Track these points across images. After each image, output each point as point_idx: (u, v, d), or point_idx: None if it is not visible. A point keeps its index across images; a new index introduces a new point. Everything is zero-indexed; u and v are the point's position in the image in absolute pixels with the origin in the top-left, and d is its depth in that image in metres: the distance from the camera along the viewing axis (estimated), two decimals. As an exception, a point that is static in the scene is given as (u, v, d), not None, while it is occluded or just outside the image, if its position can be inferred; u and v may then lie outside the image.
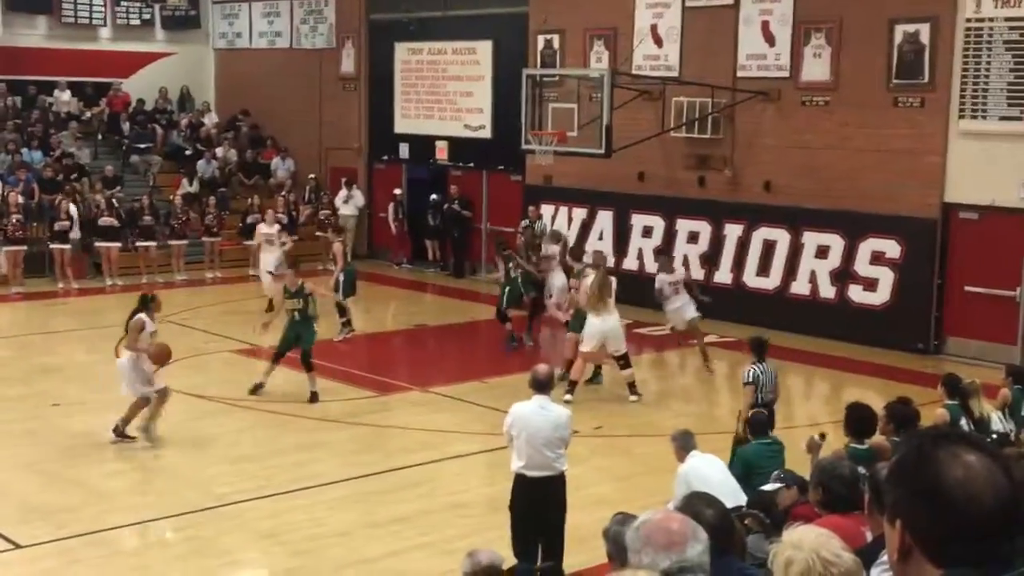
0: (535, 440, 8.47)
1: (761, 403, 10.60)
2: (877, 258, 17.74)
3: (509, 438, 8.69)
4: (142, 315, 12.33)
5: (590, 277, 14.56)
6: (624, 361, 14.47)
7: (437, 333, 19.24)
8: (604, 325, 14.21)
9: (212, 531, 10.06)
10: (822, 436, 8.76)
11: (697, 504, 4.26)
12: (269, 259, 19.81)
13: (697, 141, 19.56)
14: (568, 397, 13.55)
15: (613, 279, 14.68)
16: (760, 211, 18.98)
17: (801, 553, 3.29)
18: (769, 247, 19.00)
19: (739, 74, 19.00)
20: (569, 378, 14.16)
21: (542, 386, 8.72)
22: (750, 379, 10.97)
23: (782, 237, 18.83)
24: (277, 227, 20.89)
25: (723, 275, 19.56)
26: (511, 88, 20.38)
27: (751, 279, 19.25)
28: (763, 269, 19.10)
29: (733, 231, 19.44)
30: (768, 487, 7.65)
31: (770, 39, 18.68)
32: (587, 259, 16.26)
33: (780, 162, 18.68)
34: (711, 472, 8.29)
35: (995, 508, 2.08)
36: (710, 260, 19.69)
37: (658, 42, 20.09)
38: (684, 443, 8.77)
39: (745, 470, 8.78)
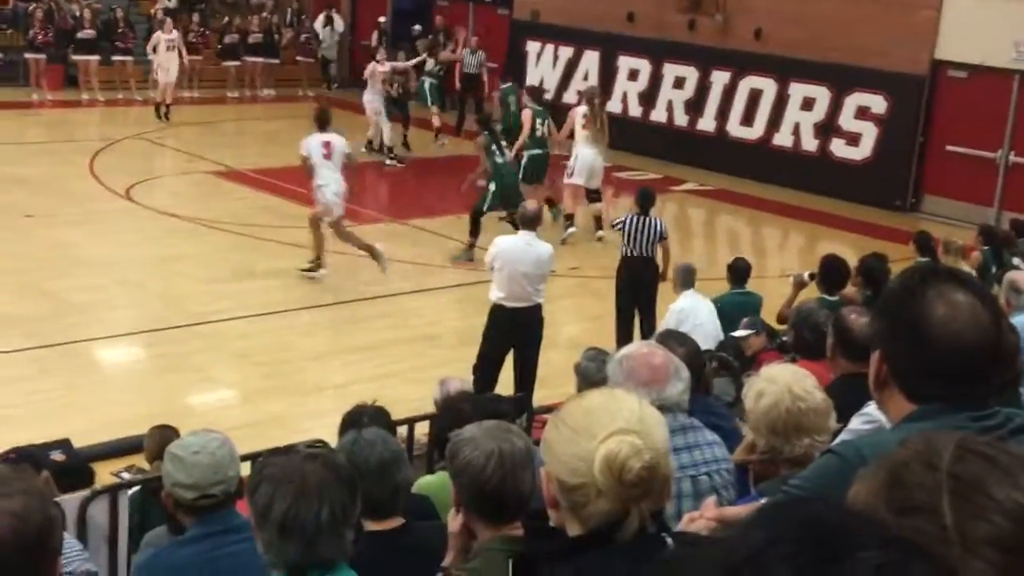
0: (517, 273, 8.58)
1: (631, 256, 10.32)
2: (862, 113, 17.62)
3: (491, 269, 8.78)
4: None
5: (581, 108, 14.68)
6: (597, 195, 14.69)
7: (414, 165, 19.07)
8: (596, 160, 14.45)
9: (185, 348, 10.13)
10: (811, 276, 8.79)
11: (670, 342, 4.31)
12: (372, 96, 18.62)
13: (690, -17, 19.13)
14: (572, 230, 14.17)
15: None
16: (749, 59, 18.72)
17: (774, 386, 3.35)
18: (755, 96, 18.81)
19: (738, -85, 18.47)
20: (564, 212, 14.50)
21: (529, 222, 8.84)
22: (617, 225, 10.67)
23: (769, 87, 18.63)
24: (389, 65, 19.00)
25: (707, 123, 19.41)
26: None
27: (735, 128, 19.11)
28: (747, 119, 18.94)
29: (720, 78, 19.20)
30: (738, 332, 7.76)
31: None
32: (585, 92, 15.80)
33: (772, 9, 18.32)
34: (702, 314, 8.44)
35: (974, 348, 2.10)
36: (695, 107, 19.50)
37: None
38: (686, 279, 8.90)
39: (721, 319, 8.89)
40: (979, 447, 1.35)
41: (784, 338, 7.03)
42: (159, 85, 20.22)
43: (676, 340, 4.51)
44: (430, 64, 19.88)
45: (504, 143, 13.98)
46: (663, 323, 8.54)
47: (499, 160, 13.51)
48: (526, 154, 14.68)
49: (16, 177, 15.70)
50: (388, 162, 18.12)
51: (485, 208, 13.27)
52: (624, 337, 9.81)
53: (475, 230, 13.18)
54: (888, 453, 1.39)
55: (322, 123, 12.09)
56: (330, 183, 11.85)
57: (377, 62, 18.76)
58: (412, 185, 18.19)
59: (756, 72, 18.70)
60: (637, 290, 10.26)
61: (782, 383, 3.38)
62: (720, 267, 10.43)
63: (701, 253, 14.28)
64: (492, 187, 13.32)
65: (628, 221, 10.42)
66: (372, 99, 18.43)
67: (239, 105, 22.79)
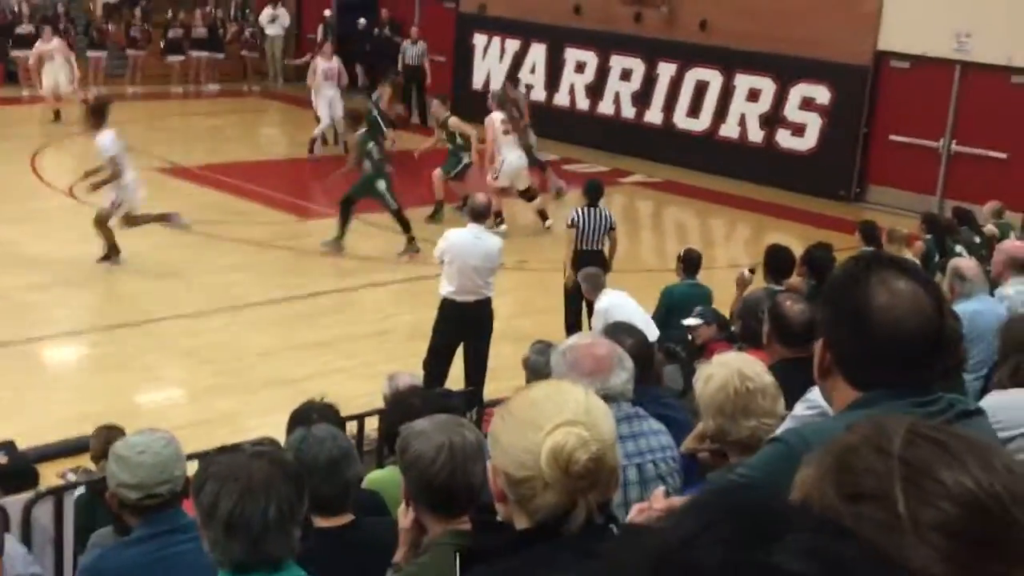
0: (467, 267, 8.58)
1: (584, 250, 10.33)
2: (807, 104, 17.78)
3: (440, 263, 8.77)
4: None
5: (498, 114, 14.58)
6: (530, 193, 14.64)
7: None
8: (520, 162, 14.44)
9: (133, 347, 10.02)
10: (751, 271, 8.87)
11: (618, 334, 4.32)
12: (329, 93, 18.45)
13: (636, -24, 19.19)
14: (504, 228, 13.75)
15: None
16: (694, 51, 18.81)
17: (723, 369, 3.38)
18: (701, 88, 18.92)
19: (682, -93, 18.55)
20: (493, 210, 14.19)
21: (478, 215, 8.85)
22: (570, 222, 10.56)
23: (715, 78, 18.74)
24: (337, 60, 19.00)
25: (654, 115, 19.49)
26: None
27: (681, 120, 19.21)
28: (694, 110, 19.05)
29: (666, 70, 19.28)
30: (689, 321, 7.80)
31: None
32: (493, 96, 15.60)
33: (717, 1, 18.43)
34: (626, 307, 8.45)
35: (917, 335, 2.12)
36: (641, 99, 19.57)
37: None
38: (595, 282, 8.94)
39: (669, 309, 8.93)
40: (929, 432, 1.34)
41: (733, 328, 7.08)
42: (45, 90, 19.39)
43: (624, 331, 4.52)
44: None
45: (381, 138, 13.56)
46: (592, 327, 8.52)
47: (376, 157, 13.15)
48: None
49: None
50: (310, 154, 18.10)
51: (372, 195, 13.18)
52: (573, 329, 9.85)
53: (406, 226, 13.06)
54: (835, 438, 1.38)
55: (101, 117, 11.99)
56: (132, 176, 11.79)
57: (319, 56, 18.75)
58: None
59: (702, 64, 18.80)
60: None
61: (732, 366, 3.41)
62: (668, 258, 10.49)
63: (650, 245, 14.36)
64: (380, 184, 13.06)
65: (579, 215, 10.43)
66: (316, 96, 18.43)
67: (184, 101, 22.55)
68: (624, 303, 8.57)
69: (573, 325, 9.96)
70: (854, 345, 2.16)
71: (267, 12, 24.53)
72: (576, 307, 10.18)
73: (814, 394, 3.03)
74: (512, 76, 18.64)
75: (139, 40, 22.86)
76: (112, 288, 11.43)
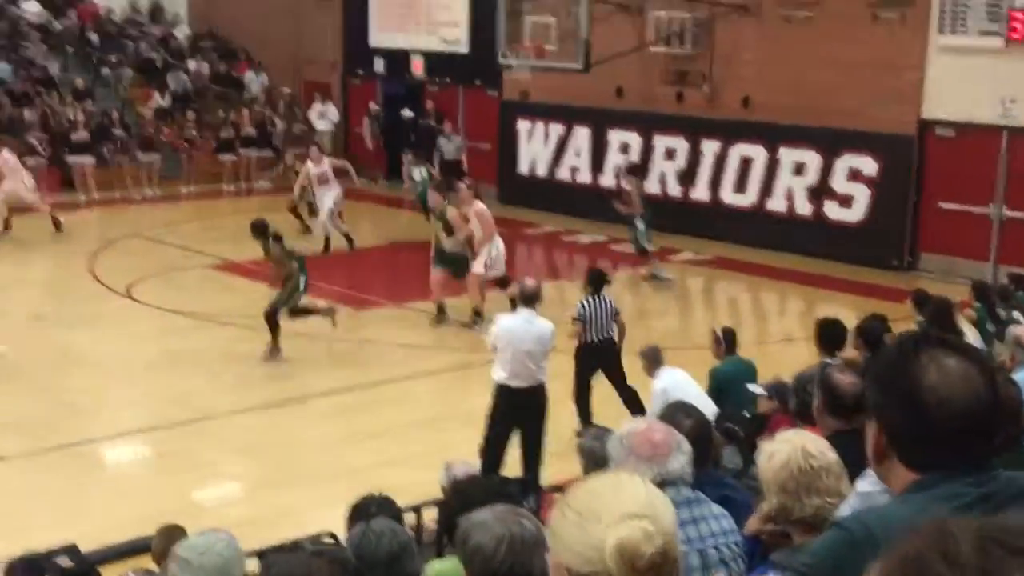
0: (520, 352, 8.58)
1: (592, 341, 10.21)
2: (854, 175, 17.75)
3: (493, 348, 8.77)
4: None
5: (480, 204, 14.07)
6: (505, 281, 14.05)
7: (413, 249, 19.15)
8: (499, 250, 14.01)
9: (191, 444, 10.10)
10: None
11: (677, 414, 4.29)
12: (328, 199, 18.09)
13: (676, 56, 19.40)
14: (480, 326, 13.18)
15: None
16: (738, 127, 18.91)
17: (786, 446, 3.35)
18: (746, 164, 18.97)
19: (718, -12, 18.79)
20: (473, 309, 13.80)
21: (529, 299, 8.87)
22: (577, 315, 10.27)
23: (759, 154, 18.80)
24: (327, 162, 18.60)
25: (700, 192, 19.55)
26: (488, 1, 20.10)
27: (728, 196, 19.24)
28: (740, 186, 19.08)
29: (710, 147, 19.38)
30: (754, 387, 7.75)
31: (751, -49, 18.46)
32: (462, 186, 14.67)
33: (759, 77, 18.56)
34: (684, 386, 8.40)
35: (969, 413, 2.09)
36: (687, 177, 19.66)
37: (637, -45, 19.81)
38: (654, 358, 8.89)
39: (719, 389, 8.87)
40: (999, 534, 1.28)
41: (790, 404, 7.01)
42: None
43: (683, 411, 4.49)
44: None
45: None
46: (650, 408, 8.49)
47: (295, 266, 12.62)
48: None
49: (19, 280, 15.78)
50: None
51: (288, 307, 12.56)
52: (586, 412, 10.14)
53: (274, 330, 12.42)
54: (900, 541, 1.33)
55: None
56: None
57: (309, 161, 18.49)
58: (408, 269, 18.24)
59: (746, 140, 18.87)
60: (607, 372, 10.28)
61: (795, 443, 3.39)
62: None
63: (702, 322, 14.29)
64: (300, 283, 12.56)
65: (586, 307, 10.30)
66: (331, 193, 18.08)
67: (236, 198, 22.97)
68: (682, 383, 8.53)
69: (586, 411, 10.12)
70: (907, 427, 2.14)
71: (316, 108, 25.05)
72: (586, 406, 10.23)
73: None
74: (632, 166, 18.46)
75: (192, 141, 23.39)
76: (170, 386, 11.55)
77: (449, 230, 13.96)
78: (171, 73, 25.84)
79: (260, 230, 12.87)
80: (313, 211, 18.81)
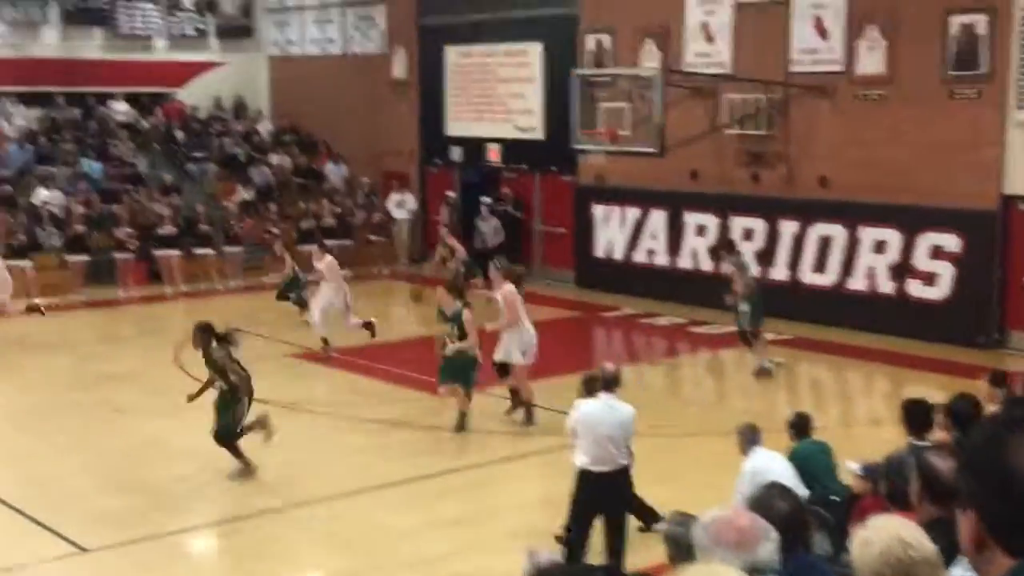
0: (601, 437, 8.53)
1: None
2: (936, 252, 17.51)
3: (573, 434, 8.72)
4: None
5: (509, 286, 13.31)
6: (505, 369, 13.52)
7: (491, 335, 19.22)
8: (531, 335, 13.37)
9: (275, 532, 10.16)
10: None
11: (772, 495, 4.23)
12: (323, 297, 17.28)
13: (750, 138, 19.44)
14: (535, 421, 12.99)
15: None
16: (816, 207, 18.82)
17: (882, 534, 3.27)
18: (825, 243, 18.83)
19: (792, 69, 18.86)
20: (526, 404, 13.28)
21: (609, 384, 8.84)
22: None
23: (838, 233, 18.65)
24: (327, 261, 17.52)
25: (779, 272, 19.41)
26: (562, 89, 20.39)
27: (807, 276, 19.08)
28: (819, 266, 18.92)
29: (788, 228, 19.28)
30: (852, 465, 7.65)
31: (823, 33, 18.53)
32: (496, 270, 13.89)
33: (835, 157, 18.50)
34: (775, 468, 8.26)
35: None
36: (765, 257, 19.55)
37: (709, 39, 20.02)
38: (750, 437, 8.75)
39: (800, 472, 8.71)
40: None
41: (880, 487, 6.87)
42: None
43: (779, 495, 4.40)
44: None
45: None
46: (737, 487, 8.35)
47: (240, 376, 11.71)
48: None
49: (106, 373, 16.11)
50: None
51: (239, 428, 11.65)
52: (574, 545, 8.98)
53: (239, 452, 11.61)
54: None
55: None
56: None
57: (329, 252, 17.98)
58: (487, 354, 18.28)
59: (824, 219, 18.76)
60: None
61: (891, 530, 3.30)
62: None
63: (784, 403, 14.09)
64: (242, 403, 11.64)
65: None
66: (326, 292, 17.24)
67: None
68: (772, 465, 8.39)
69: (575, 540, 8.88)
70: (1003, 513, 2.09)
71: (394, 197, 25.46)
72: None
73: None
74: (725, 243, 18.09)
75: (274, 234, 23.86)
76: (255, 475, 11.64)
77: (462, 334, 13.00)
78: (254, 167, 26.54)
79: (202, 330, 11.51)
80: (304, 306, 18.55)
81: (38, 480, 11.62)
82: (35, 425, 13.69)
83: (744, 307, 15.41)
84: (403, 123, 26.25)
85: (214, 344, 11.50)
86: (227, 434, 11.51)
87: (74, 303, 21.21)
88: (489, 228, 22.62)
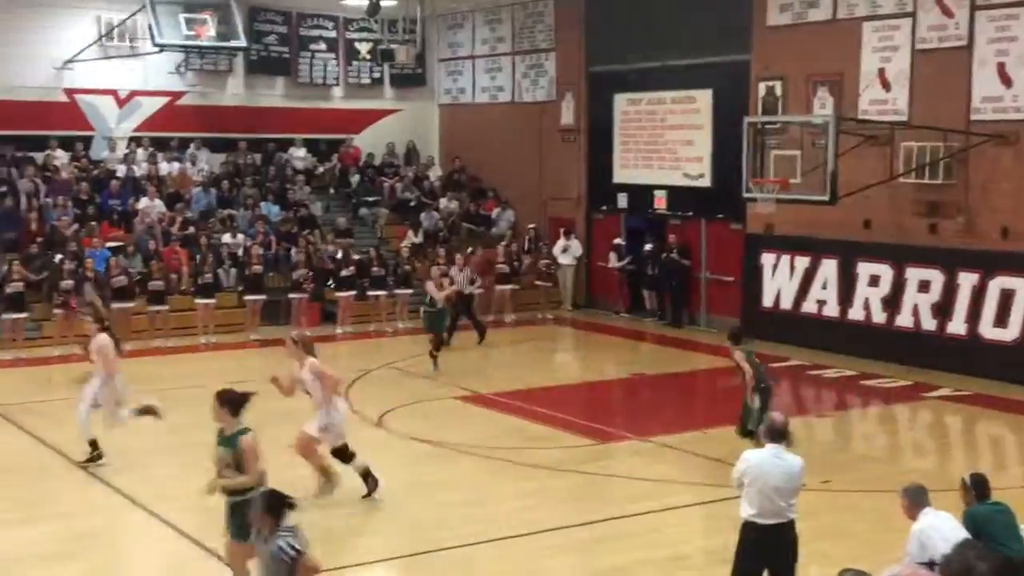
0: (768, 488, 8.34)
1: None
2: None
3: (739, 485, 8.55)
4: None
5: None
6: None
7: (655, 382, 19.11)
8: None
9: (435, 575, 10.23)
10: None
11: (969, 555, 4.06)
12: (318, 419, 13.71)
13: (927, 187, 18.87)
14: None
15: None
16: (997, 258, 18.11)
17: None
18: (1007, 296, 18.07)
19: (973, 117, 18.27)
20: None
21: (777, 435, 8.64)
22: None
23: (1021, 286, 17.88)
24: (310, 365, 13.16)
25: (957, 326, 18.71)
26: (731, 136, 20.21)
27: (987, 330, 18.32)
28: (1000, 319, 18.16)
29: (967, 279, 18.59)
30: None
31: (1007, 80, 17.89)
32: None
33: (1018, 207, 17.80)
34: (946, 531, 7.92)
35: None
36: (942, 310, 18.88)
37: (886, 86, 19.57)
38: (917, 499, 8.41)
39: (976, 532, 8.33)
40: None
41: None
42: None
43: (976, 554, 4.22)
44: None
45: None
46: (907, 549, 8.02)
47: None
48: None
49: (279, 411, 16.53)
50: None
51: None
52: None
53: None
54: None
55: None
56: None
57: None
58: (650, 401, 18.16)
59: (1006, 271, 18.02)
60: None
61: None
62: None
63: (963, 462, 13.54)
64: None
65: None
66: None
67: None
68: (942, 525, 8.06)
69: None
70: None
71: (560, 243, 25.65)
72: None
73: None
74: (734, 332, 16.65)
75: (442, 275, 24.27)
76: (418, 516, 11.76)
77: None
78: (424, 212, 27.13)
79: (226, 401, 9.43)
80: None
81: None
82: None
83: (756, 403, 13.26)
84: (571, 170, 26.45)
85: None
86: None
87: (247, 342, 21.94)
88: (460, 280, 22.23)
